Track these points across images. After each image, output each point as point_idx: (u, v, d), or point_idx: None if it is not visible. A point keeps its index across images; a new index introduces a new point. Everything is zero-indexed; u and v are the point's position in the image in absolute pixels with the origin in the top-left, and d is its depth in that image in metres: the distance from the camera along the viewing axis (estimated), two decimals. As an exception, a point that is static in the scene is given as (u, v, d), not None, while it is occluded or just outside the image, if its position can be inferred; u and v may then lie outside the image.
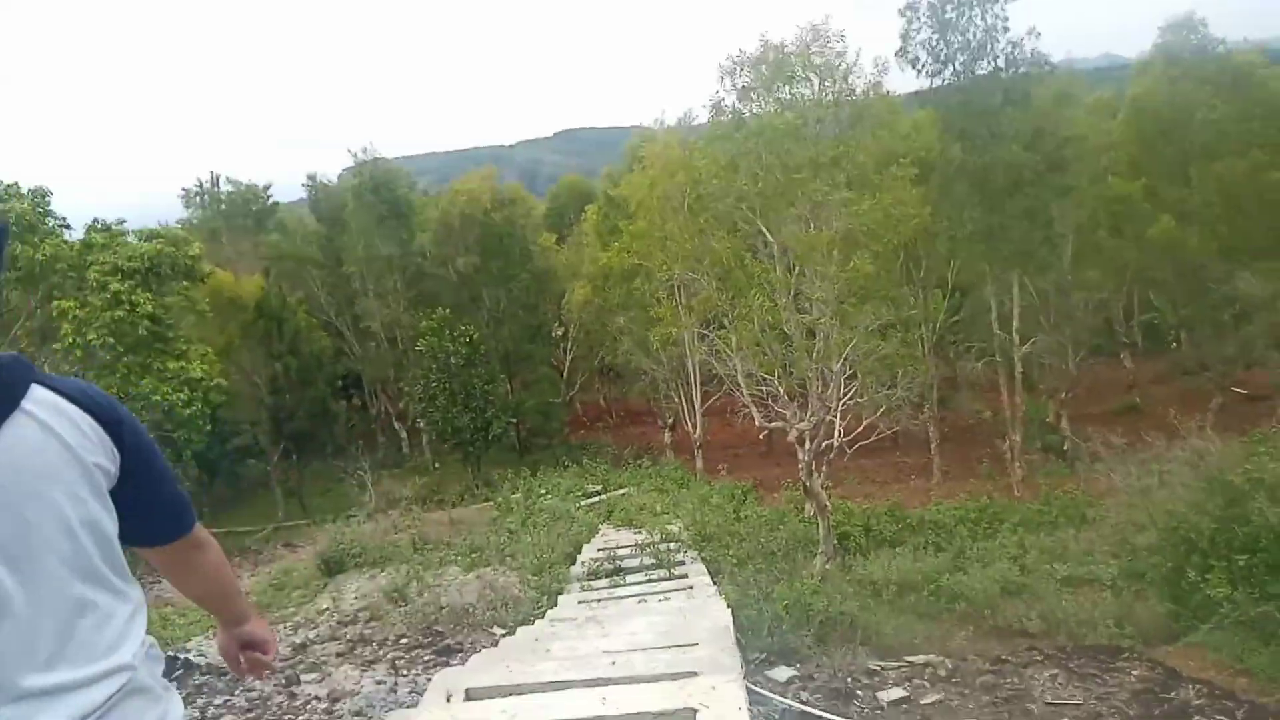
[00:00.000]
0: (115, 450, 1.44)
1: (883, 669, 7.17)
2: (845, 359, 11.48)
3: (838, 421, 11.63)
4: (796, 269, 13.08)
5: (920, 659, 7.52)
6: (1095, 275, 25.01)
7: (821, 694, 5.71)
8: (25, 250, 20.40)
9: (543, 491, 21.19)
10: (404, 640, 9.00)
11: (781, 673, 6.86)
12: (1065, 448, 23.86)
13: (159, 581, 16.80)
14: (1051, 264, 22.52)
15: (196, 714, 5.45)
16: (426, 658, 7.59)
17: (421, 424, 32.16)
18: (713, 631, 5.63)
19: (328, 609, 11.15)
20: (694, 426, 26.83)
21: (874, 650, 8.25)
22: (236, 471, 32.96)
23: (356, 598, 11.57)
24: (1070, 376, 24.87)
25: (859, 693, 5.73)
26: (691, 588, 9.86)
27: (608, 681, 4.66)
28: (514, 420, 31.64)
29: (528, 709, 4.10)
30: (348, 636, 9.43)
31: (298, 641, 9.52)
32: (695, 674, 4.62)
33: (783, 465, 27.27)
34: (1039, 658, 6.85)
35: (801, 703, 5.49)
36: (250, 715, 5.37)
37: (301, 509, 29.09)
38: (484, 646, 8.42)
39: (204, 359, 23.80)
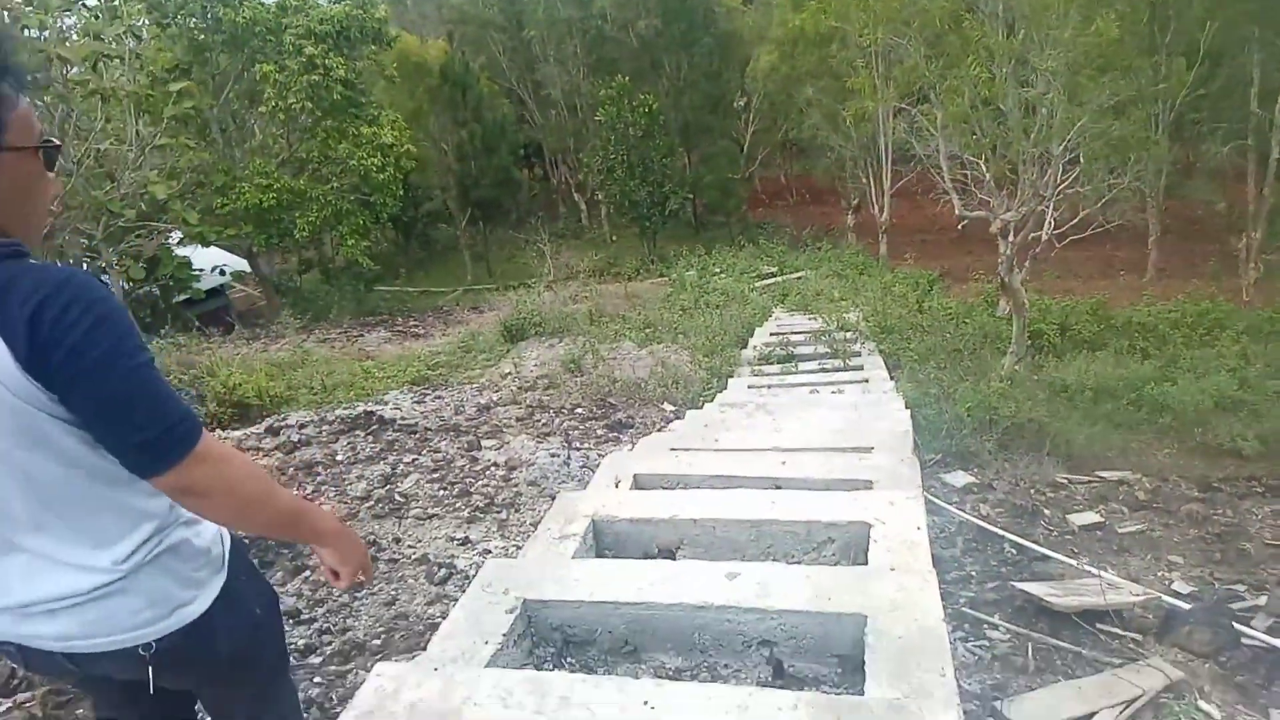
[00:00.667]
0: (26, 339, 1.28)
1: (1070, 483, 6.72)
2: (1068, 141, 10.00)
3: (1050, 212, 10.37)
4: (1022, 32, 11.22)
5: (1114, 475, 6.99)
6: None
7: (1003, 509, 5.38)
8: (227, 13, 21.02)
9: (717, 270, 21.02)
10: (579, 410, 9.33)
11: (958, 478, 6.56)
12: (1314, 245, 20.90)
13: (361, 335, 18.33)
14: (1336, 25, 18.52)
15: (387, 469, 5.84)
16: (598, 431, 7.80)
17: (600, 196, 32.24)
18: (891, 435, 5.34)
19: (510, 374, 11.71)
20: (880, 209, 25.33)
21: (1062, 461, 7.77)
22: (428, 235, 34.76)
23: (536, 365, 12.07)
24: (1333, 165, 21.15)
25: (1045, 511, 5.35)
26: (867, 381, 9.55)
27: (777, 483, 4.53)
28: (691, 195, 31.10)
29: (694, 503, 4.03)
30: (527, 402, 9.88)
31: (482, 403, 10.09)
32: (871, 483, 4.40)
33: (975, 253, 25.54)
34: (1258, 488, 6.14)
35: (980, 516, 5.20)
36: (435, 475, 5.71)
37: (488, 273, 30.56)
38: (654, 423, 8.59)
39: (394, 125, 24.34)
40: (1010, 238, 9.71)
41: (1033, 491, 6.33)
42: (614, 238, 31.65)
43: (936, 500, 5.16)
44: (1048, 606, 3.37)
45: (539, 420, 8.64)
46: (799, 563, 3.86)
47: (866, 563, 3.54)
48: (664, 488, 4.68)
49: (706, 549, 3.94)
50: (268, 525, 1.66)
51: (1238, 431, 9.11)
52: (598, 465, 6.23)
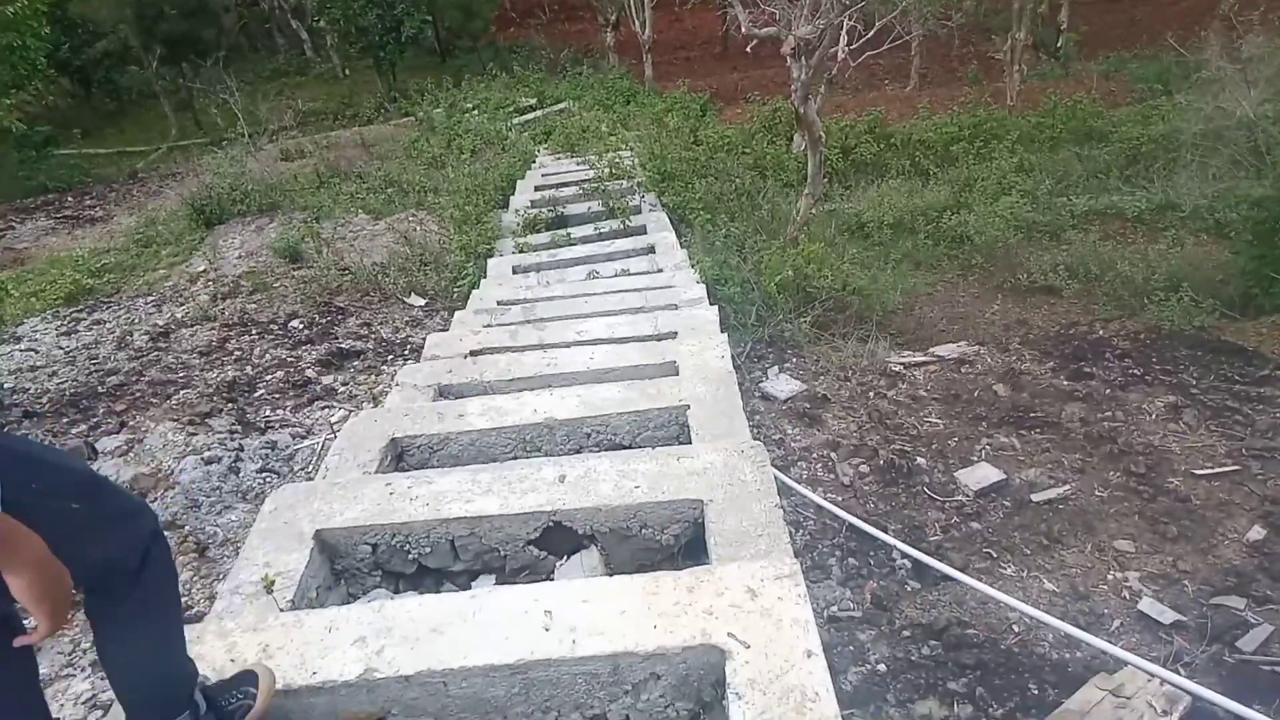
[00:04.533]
0: None
1: (907, 369, 5.52)
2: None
3: (847, 23, 8.79)
4: None
5: (951, 352, 5.87)
6: None
7: (866, 464, 3.97)
8: None
9: (470, 106, 18.24)
10: (294, 323, 7.10)
11: (782, 385, 5.17)
12: (1059, 44, 21.17)
13: (12, 226, 14.20)
14: None
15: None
16: (308, 371, 5.66)
17: (322, 22, 27.42)
18: (709, 383, 3.74)
19: (204, 272, 9.05)
20: (642, 24, 23.01)
21: (884, 334, 6.60)
22: (113, 80, 28.44)
23: (240, 257, 9.41)
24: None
25: (920, 462, 3.99)
26: (653, 250, 7.90)
27: (553, 518, 2.79)
28: (430, 18, 27.04)
29: (401, 644, 2.24)
30: (224, 316, 7.48)
31: (161, 324, 7.57)
32: (701, 503, 2.77)
33: (740, 69, 24.12)
34: (1134, 368, 5.17)
35: (846, 486, 3.77)
36: None
37: (196, 125, 25.59)
38: (397, 331, 6.56)
39: (23, -61, 18.60)
40: (803, 60, 8.14)
41: (872, 395, 5.04)
42: (347, 72, 27.40)
43: (780, 474, 3.64)
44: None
45: (233, 351, 6.34)
46: None
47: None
48: (367, 545, 2.84)
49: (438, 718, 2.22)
50: None
51: (1049, 265, 8.37)
52: (290, 454, 4.22)
